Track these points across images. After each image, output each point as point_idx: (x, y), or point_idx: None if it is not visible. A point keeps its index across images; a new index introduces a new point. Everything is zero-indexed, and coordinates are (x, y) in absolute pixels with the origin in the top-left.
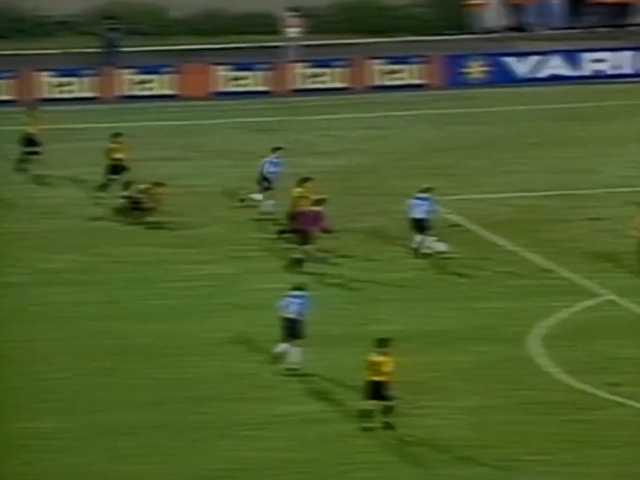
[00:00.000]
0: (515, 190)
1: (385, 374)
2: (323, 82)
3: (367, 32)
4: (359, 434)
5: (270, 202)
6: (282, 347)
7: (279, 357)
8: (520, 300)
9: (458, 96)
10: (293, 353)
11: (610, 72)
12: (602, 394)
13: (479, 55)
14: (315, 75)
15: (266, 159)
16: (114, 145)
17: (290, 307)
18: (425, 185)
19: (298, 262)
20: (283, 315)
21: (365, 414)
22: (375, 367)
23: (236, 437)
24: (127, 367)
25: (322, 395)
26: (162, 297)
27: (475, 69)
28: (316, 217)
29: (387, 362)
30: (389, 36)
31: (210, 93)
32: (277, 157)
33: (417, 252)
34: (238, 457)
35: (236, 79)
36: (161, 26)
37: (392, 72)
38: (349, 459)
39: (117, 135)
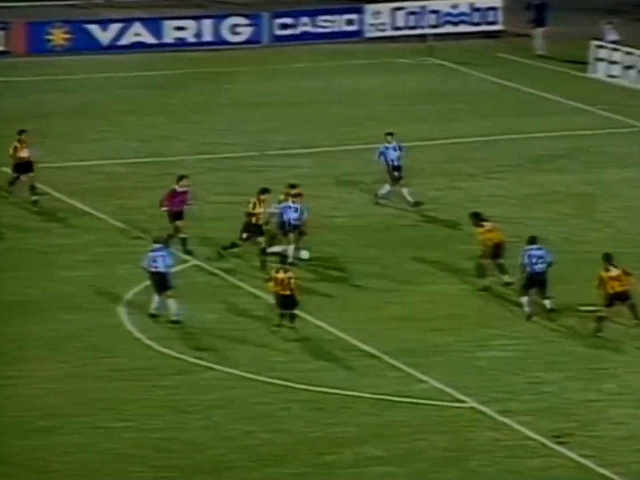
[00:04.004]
0: (102, 158)
1: (290, 288)
2: None
3: None
4: None
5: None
6: (157, 300)
7: (157, 313)
8: (108, 267)
9: (41, 63)
10: (171, 305)
11: (191, 40)
12: (188, 358)
13: (62, 22)
14: None
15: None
16: (17, 144)
17: (157, 261)
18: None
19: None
20: (151, 270)
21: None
22: (280, 283)
23: None
24: None
25: None
26: None
27: (58, 36)
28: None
29: (289, 278)
30: None
31: None
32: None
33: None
34: None
35: None
36: None
37: None
38: None
39: (21, 132)
